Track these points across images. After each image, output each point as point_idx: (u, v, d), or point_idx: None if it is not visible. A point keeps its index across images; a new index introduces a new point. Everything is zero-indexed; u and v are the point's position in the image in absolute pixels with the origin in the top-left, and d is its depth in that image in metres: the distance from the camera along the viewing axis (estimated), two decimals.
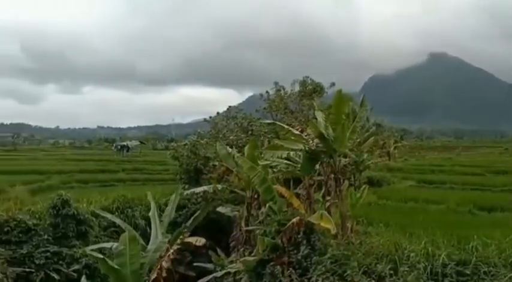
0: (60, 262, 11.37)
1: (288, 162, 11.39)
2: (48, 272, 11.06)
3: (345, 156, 11.24)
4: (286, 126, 11.37)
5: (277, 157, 11.00)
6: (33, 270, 10.81)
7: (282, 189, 11.15)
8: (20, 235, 11.22)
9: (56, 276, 11.11)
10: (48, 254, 11.23)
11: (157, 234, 12.27)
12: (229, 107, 22.23)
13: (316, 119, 11.07)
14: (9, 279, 9.72)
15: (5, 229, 11.07)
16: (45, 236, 11.52)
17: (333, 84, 23.89)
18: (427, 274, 8.05)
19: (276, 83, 24.10)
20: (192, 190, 14.95)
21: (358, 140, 13.01)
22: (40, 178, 26.79)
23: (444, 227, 11.51)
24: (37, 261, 11.01)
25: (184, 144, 18.94)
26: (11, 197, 15.69)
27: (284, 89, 23.59)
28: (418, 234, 9.84)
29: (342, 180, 10.71)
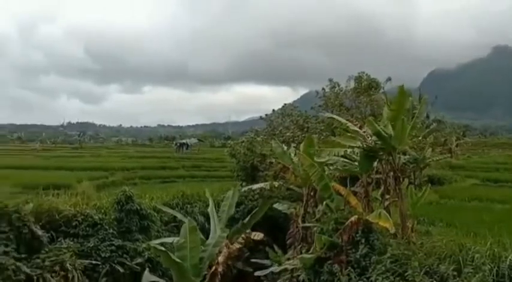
0: (124, 255, 11.83)
1: (345, 159, 11.21)
2: (113, 264, 11.54)
3: (405, 154, 10.90)
4: (344, 121, 11.18)
5: (334, 154, 10.86)
6: (99, 263, 11.30)
7: (339, 187, 11.01)
8: (87, 229, 11.75)
9: (121, 269, 11.56)
10: (113, 247, 11.72)
11: (216, 230, 12.49)
12: (285, 104, 22.26)
13: (373, 115, 10.82)
14: (77, 270, 10.23)
15: (73, 223, 11.63)
16: (110, 230, 12.02)
17: (389, 79, 23.22)
18: (493, 276, 7.68)
19: (330, 80, 23.76)
20: (249, 187, 15.11)
21: (419, 137, 12.55)
22: (105, 174, 28.13)
23: (511, 228, 10.90)
24: (103, 254, 11.49)
25: (241, 142, 19.16)
26: (78, 192, 16.52)
27: (339, 86, 23.21)
28: (483, 235, 9.37)
29: (401, 179, 10.40)
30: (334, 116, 13.65)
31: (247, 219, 13.26)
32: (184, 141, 66.81)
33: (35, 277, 9.16)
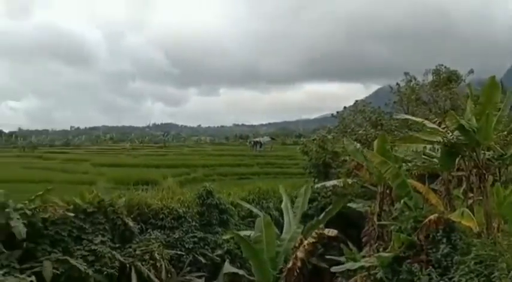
0: (206, 247, 12.50)
1: (424, 156, 10.85)
2: (196, 255, 12.23)
3: (490, 150, 10.28)
4: (420, 120, 10.80)
5: (412, 151, 10.55)
6: (183, 253, 12.03)
7: (418, 185, 10.66)
8: (172, 221, 12.56)
9: (203, 260, 12.22)
10: (196, 239, 12.42)
11: (291, 225, 12.72)
12: (356, 101, 21.74)
13: (453, 110, 10.33)
14: (164, 260, 10.97)
15: (161, 216, 12.48)
16: (193, 223, 12.75)
17: (472, 71, 21.74)
18: None
19: (406, 74, 22.72)
20: (322, 184, 15.10)
21: (504, 132, 11.73)
22: (186, 171, 29.41)
23: None
24: (186, 245, 12.21)
25: (313, 139, 19.17)
26: (164, 187, 17.54)
27: (415, 79, 22.21)
28: None
29: (486, 176, 9.85)
30: (409, 117, 13.21)
31: (321, 215, 13.33)
32: (258, 139, 67.79)
33: (127, 265, 9.96)
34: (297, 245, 11.57)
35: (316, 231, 11.92)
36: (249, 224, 14.42)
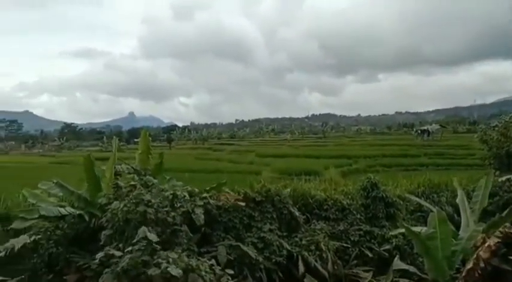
0: (372, 241, 11.97)
1: None
2: (362, 248, 11.82)
3: None
4: None
5: None
6: (349, 246, 11.74)
7: None
8: (337, 213, 12.34)
9: (369, 254, 11.74)
10: (361, 232, 11.99)
11: (469, 222, 11.37)
12: None
13: None
14: (330, 251, 10.85)
15: (325, 207, 12.38)
16: (358, 216, 12.34)
17: None
18: None
19: None
20: (507, 177, 13.30)
21: None
22: (348, 162, 29.11)
23: None
24: (352, 238, 11.88)
25: (494, 126, 17.03)
26: (326, 178, 17.50)
27: None
28: None
29: None
30: None
31: (505, 212, 11.57)
32: (425, 128, 63.40)
33: (294, 254, 10.09)
34: (478, 244, 10.25)
35: (501, 230, 10.41)
36: (418, 219, 13.39)
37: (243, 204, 10.04)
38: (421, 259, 10.56)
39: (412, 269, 10.89)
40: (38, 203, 9.08)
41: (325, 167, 23.93)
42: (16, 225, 8.75)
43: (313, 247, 10.38)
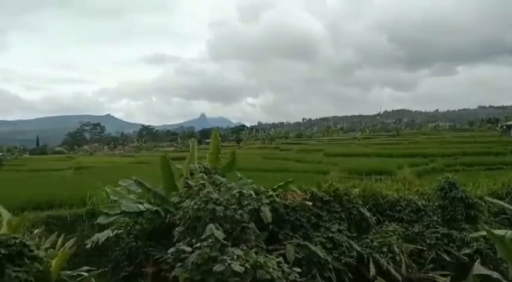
0: (451, 244, 11.33)
1: None
2: (439, 252, 11.24)
3: None
4: None
5: None
6: (424, 249, 11.23)
7: None
8: (411, 214, 11.84)
9: (447, 258, 11.16)
10: (438, 234, 11.40)
11: None
12: None
13: None
14: (404, 254, 10.45)
15: (397, 208, 11.94)
16: (434, 217, 11.75)
17: None
18: None
19: None
20: None
21: None
22: (424, 161, 27.76)
23: None
24: (428, 241, 11.33)
25: None
26: (399, 178, 16.88)
27: None
28: None
29: None
30: None
31: None
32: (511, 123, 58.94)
33: (365, 255, 9.86)
34: None
35: None
36: (503, 222, 12.53)
37: (310, 203, 9.99)
38: (505, 265, 9.85)
39: (495, 274, 10.17)
40: (119, 200, 9.72)
41: (398, 166, 23.02)
42: (100, 220, 9.43)
43: (385, 249, 10.06)
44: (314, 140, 63.88)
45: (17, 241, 6.74)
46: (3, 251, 6.52)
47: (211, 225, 6.65)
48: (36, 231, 8.67)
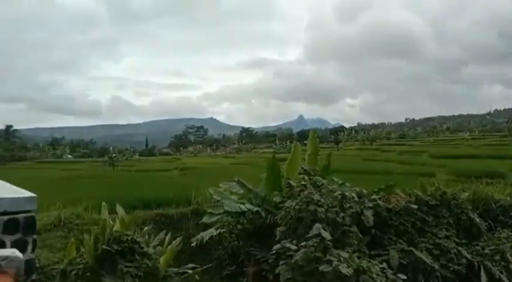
0: None
1: None
2: None
3: None
4: None
5: None
6: None
7: None
8: None
9: None
10: None
11: None
12: None
13: None
14: None
15: (511, 213, 10.97)
16: None
17: None
18: None
19: None
20: None
21: None
22: None
23: None
24: None
25: None
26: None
27: None
28: None
29: None
30: None
31: None
32: None
33: (476, 263, 9.22)
34: None
35: None
36: None
37: (414, 207, 9.58)
38: None
39: None
40: (222, 200, 10.18)
41: (511, 168, 21.05)
42: (205, 219, 9.97)
43: (497, 257, 9.30)
44: (418, 141, 60.58)
45: (129, 238, 7.32)
46: (116, 247, 7.11)
47: (318, 225, 6.69)
48: (145, 228, 9.33)
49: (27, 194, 5.20)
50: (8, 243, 4.80)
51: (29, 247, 5.00)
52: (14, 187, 5.79)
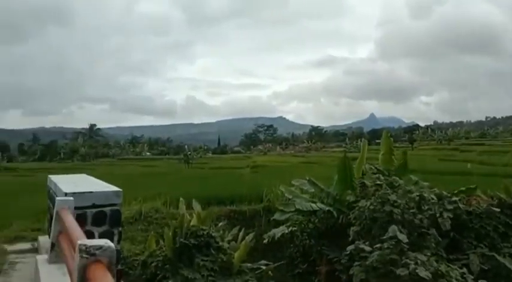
0: None
1: None
2: None
3: None
4: None
5: None
6: None
7: None
8: None
9: None
10: None
11: None
12: None
13: None
14: None
15: None
16: None
17: None
18: None
19: None
20: None
21: None
22: None
23: None
24: None
25: None
26: None
27: None
28: None
29: None
30: None
31: None
32: None
33: None
34: None
35: None
36: None
37: (497, 210, 8.98)
38: None
39: None
40: (293, 198, 10.26)
41: None
42: (276, 216, 10.09)
43: None
44: (500, 141, 56.28)
45: (205, 232, 7.61)
46: (193, 241, 7.42)
47: (394, 227, 6.52)
48: (220, 224, 9.62)
49: (114, 188, 5.54)
50: (96, 235, 5.13)
51: (115, 238, 5.31)
52: (101, 182, 6.21)
